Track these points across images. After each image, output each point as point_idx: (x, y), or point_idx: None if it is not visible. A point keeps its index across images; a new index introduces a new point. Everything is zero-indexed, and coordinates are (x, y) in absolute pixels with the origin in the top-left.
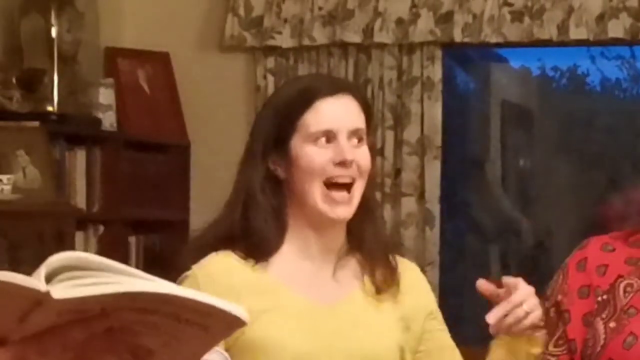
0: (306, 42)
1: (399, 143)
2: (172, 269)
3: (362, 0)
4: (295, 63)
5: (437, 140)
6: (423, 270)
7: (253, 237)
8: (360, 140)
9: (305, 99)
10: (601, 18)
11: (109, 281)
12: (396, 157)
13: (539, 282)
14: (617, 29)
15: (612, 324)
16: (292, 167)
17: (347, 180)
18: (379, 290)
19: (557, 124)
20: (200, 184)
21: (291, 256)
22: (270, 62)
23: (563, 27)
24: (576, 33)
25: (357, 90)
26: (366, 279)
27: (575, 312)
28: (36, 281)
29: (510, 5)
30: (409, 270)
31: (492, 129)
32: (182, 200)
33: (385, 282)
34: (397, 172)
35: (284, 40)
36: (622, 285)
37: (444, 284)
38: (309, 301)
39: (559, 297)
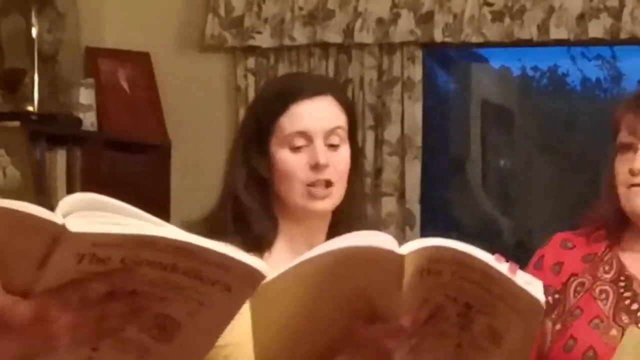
0: (287, 42)
1: (379, 143)
2: None
3: (342, 1)
4: (275, 63)
5: (418, 140)
6: None
7: (248, 234)
8: (340, 140)
9: (280, 102)
10: (581, 18)
11: (127, 222)
12: (376, 157)
13: None
14: (597, 29)
15: (557, 326)
16: (272, 168)
17: (323, 181)
18: None
19: (538, 124)
20: (180, 184)
21: (281, 253)
22: (251, 62)
23: (543, 27)
24: (556, 33)
25: (338, 89)
26: None
27: None
28: (52, 213)
29: (491, 5)
30: None
31: (473, 129)
32: (162, 200)
33: None
34: (378, 172)
35: (265, 40)
36: (573, 285)
37: None
38: None
39: None
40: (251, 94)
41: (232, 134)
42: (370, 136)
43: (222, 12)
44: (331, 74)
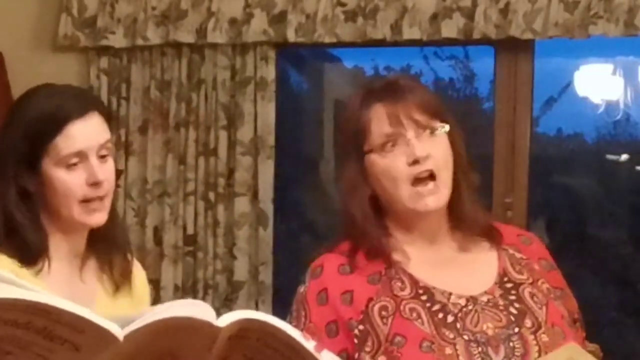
0: (140, 42)
1: (232, 143)
2: None
3: (195, 1)
4: (128, 63)
5: (271, 140)
6: (256, 271)
7: (21, 246)
8: (108, 151)
9: (55, 123)
10: (434, 18)
11: None
12: (229, 157)
13: None
14: (450, 29)
15: (381, 358)
16: (44, 186)
17: (100, 197)
18: (117, 288)
19: None
20: None
21: (53, 262)
22: (104, 62)
23: (396, 27)
24: (409, 33)
25: (101, 103)
26: (105, 278)
27: None
28: None
29: (344, 5)
30: (137, 270)
31: (326, 129)
32: None
33: (121, 279)
34: (231, 172)
35: (118, 40)
36: (375, 310)
37: (278, 284)
38: None
39: None
40: (104, 94)
41: None
42: (223, 136)
43: (75, 12)
44: (184, 73)
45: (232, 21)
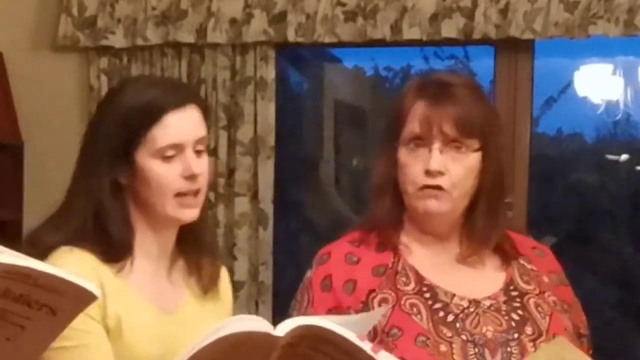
0: (139, 42)
1: (232, 143)
2: None
3: (195, 1)
4: (128, 63)
5: (271, 140)
6: (256, 271)
7: (109, 243)
8: (204, 147)
9: (153, 113)
10: (434, 18)
11: None
12: (230, 157)
13: None
14: (450, 29)
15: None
16: (137, 177)
17: (194, 191)
18: (205, 292)
19: None
20: (33, 184)
21: (137, 260)
22: (104, 62)
23: (396, 27)
24: (409, 33)
25: (200, 97)
26: (193, 280)
27: None
28: None
29: (344, 5)
30: (223, 273)
31: (326, 129)
32: (15, 200)
33: (210, 283)
34: (231, 172)
35: (117, 40)
36: (375, 302)
37: (278, 284)
38: (155, 307)
39: None
40: (104, 94)
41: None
42: (223, 136)
43: (75, 12)
44: (184, 74)
45: (232, 21)
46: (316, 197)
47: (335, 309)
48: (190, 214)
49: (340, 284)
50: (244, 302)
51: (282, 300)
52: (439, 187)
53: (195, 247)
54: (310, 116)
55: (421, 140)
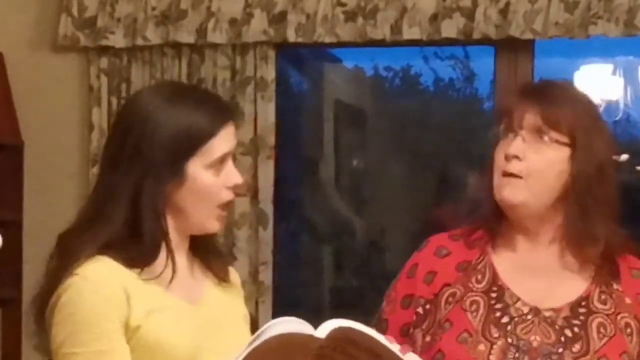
0: (139, 42)
1: None
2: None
3: (195, 1)
4: (128, 63)
5: (271, 140)
6: (256, 271)
7: (140, 245)
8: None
9: (213, 125)
10: (434, 18)
11: None
12: None
13: (372, 280)
14: (450, 29)
15: (427, 338)
16: (181, 186)
17: (232, 203)
18: (222, 280)
19: (390, 123)
20: (33, 184)
21: (164, 261)
22: (104, 62)
23: (396, 27)
24: (409, 33)
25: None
26: (209, 274)
27: (394, 322)
28: None
29: (344, 5)
30: (232, 272)
31: (326, 129)
32: (15, 200)
33: (223, 273)
34: None
35: (117, 40)
36: (445, 295)
37: (278, 284)
38: (182, 300)
39: (383, 304)
40: (104, 94)
41: (85, 135)
42: None
43: (75, 12)
44: (184, 74)
45: (232, 21)
46: (316, 197)
47: (409, 297)
48: (219, 226)
49: (423, 274)
50: (244, 302)
51: (282, 300)
52: (515, 175)
53: (204, 252)
54: (310, 116)
55: (510, 129)
